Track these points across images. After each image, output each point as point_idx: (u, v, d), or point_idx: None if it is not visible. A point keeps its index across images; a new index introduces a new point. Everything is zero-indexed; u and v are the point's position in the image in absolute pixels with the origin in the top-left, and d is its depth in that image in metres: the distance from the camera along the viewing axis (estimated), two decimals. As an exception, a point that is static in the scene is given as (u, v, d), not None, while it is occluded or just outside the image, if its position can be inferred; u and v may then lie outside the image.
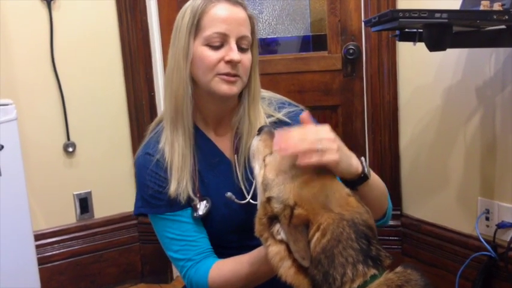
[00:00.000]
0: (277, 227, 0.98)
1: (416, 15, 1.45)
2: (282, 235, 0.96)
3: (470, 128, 2.03)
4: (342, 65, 2.44)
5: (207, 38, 1.24)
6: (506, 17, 1.44)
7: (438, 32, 1.55)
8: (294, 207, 0.96)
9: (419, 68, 2.22)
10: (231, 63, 1.24)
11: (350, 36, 2.42)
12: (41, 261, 2.24)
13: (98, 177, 2.57)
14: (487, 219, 2.00)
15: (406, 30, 1.80)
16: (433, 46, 1.59)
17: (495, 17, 1.44)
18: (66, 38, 2.43)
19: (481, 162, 2.01)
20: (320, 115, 2.50)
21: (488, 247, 1.94)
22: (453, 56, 2.03)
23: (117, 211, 2.62)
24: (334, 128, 2.58)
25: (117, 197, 2.60)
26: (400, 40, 1.82)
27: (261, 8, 2.62)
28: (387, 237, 2.41)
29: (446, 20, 1.43)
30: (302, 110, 1.40)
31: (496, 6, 1.51)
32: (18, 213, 1.88)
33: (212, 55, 1.24)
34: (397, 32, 1.82)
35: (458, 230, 2.13)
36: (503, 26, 1.59)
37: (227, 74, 1.25)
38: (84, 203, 2.55)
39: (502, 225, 1.91)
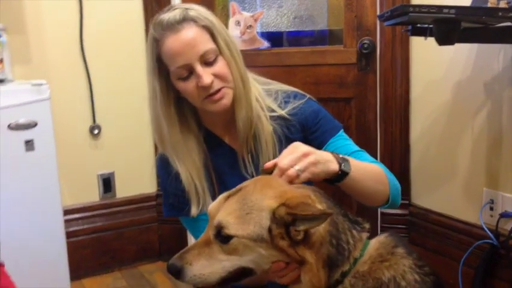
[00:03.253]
0: (291, 229, 0.96)
1: (425, 10, 1.54)
2: (300, 227, 0.95)
3: (478, 122, 2.12)
4: (356, 59, 2.53)
5: (174, 73, 1.27)
6: (511, 14, 1.53)
7: (447, 27, 1.64)
8: (284, 203, 0.96)
9: (431, 63, 2.31)
10: (205, 87, 1.25)
11: (365, 31, 2.50)
12: (66, 235, 2.38)
13: (121, 159, 2.71)
14: (491, 209, 2.08)
15: (418, 25, 1.89)
16: (442, 40, 1.68)
17: (500, 14, 1.53)
18: (95, 25, 2.57)
19: (487, 154, 2.09)
20: (334, 107, 2.60)
21: (491, 235, 2.03)
22: (463, 52, 2.11)
23: (137, 192, 2.76)
24: (348, 119, 2.69)
25: (139, 179, 2.73)
26: (412, 35, 1.91)
27: (280, 1, 2.73)
28: (395, 226, 2.50)
29: (453, 16, 1.52)
30: (309, 99, 1.43)
31: (502, 4, 1.60)
32: (49, 187, 2.02)
33: (187, 86, 1.26)
34: (409, 27, 1.91)
35: (464, 219, 2.22)
36: (510, 23, 1.67)
37: (210, 95, 1.27)
38: (107, 183, 2.70)
39: (504, 215, 1.99)
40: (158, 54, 1.27)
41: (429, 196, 2.41)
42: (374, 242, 1.03)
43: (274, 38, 2.82)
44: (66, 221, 2.54)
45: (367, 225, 1.06)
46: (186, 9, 1.28)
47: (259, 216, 0.96)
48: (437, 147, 2.34)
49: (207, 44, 1.26)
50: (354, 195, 1.24)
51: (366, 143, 2.58)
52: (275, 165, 1.09)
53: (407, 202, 2.50)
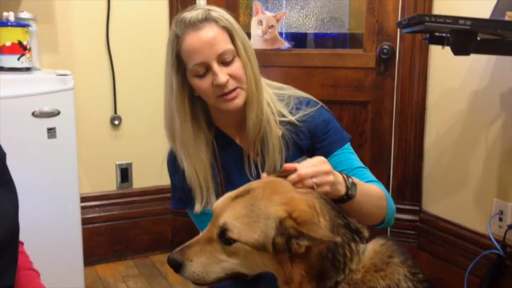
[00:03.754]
0: (293, 241, 0.96)
1: (441, 20, 1.56)
2: (303, 242, 0.96)
3: (492, 132, 2.12)
4: (375, 64, 2.55)
5: (191, 71, 1.31)
6: (527, 28, 1.55)
7: (463, 38, 1.66)
8: (290, 214, 0.97)
9: (448, 72, 2.32)
10: (220, 86, 1.29)
11: (386, 37, 2.52)
12: (82, 221, 2.46)
13: (139, 150, 2.78)
14: (500, 220, 2.09)
15: (436, 34, 1.91)
16: (458, 50, 1.70)
17: (516, 27, 1.55)
18: (121, 19, 2.65)
19: (500, 165, 2.10)
20: (350, 110, 2.63)
21: (498, 246, 2.04)
22: (481, 62, 2.12)
23: (153, 183, 2.83)
24: (364, 123, 2.72)
25: (155, 170, 2.75)
26: (430, 43, 1.92)
27: (303, 3, 2.76)
28: (404, 231, 2.52)
29: (468, 27, 1.54)
30: (321, 108, 1.44)
31: (519, 18, 1.61)
32: (68, 173, 2.08)
33: (203, 83, 1.31)
34: (427, 35, 1.93)
35: (472, 228, 2.23)
36: (527, 37, 1.68)
37: (224, 94, 1.31)
38: (125, 173, 2.78)
39: (513, 227, 2.00)
40: (178, 50, 1.32)
41: (440, 203, 2.43)
42: (369, 251, 1.04)
43: (298, 38, 2.86)
44: (84, 208, 2.63)
45: (366, 234, 1.07)
46: (209, 9, 1.33)
47: (265, 225, 0.97)
48: (451, 156, 2.35)
49: (226, 45, 1.30)
50: (350, 213, 1.26)
51: (381, 148, 2.61)
52: (293, 169, 1.11)
53: (418, 208, 2.52)
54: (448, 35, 1.73)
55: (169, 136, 1.42)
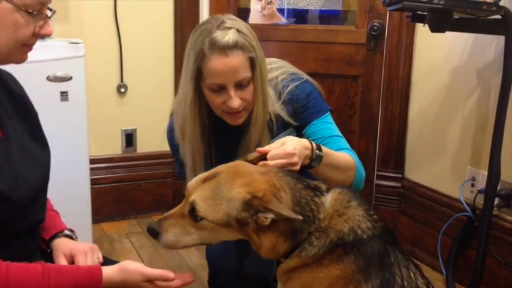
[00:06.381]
0: (260, 215, 1.10)
1: (418, -1, 1.73)
2: (268, 215, 1.09)
3: (468, 105, 2.30)
4: (366, 40, 2.71)
5: (208, 85, 1.41)
6: (494, 8, 1.72)
7: (439, 16, 1.83)
8: (255, 194, 1.10)
9: (432, 49, 2.48)
10: (231, 107, 1.41)
11: (376, 14, 2.68)
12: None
13: (143, 117, 2.97)
14: (472, 185, 2.28)
15: (419, 12, 2.07)
16: (434, 27, 1.88)
17: (484, 7, 1.72)
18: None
19: (474, 135, 2.29)
20: (342, 83, 2.80)
21: (468, 209, 2.24)
22: (461, 40, 2.29)
23: (156, 149, 3.02)
24: (354, 96, 2.90)
25: (158, 137, 2.92)
26: (412, 21, 2.08)
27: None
28: (388, 196, 2.72)
29: (441, 6, 1.70)
30: (305, 82, 1.58)
31: (489, -2, 1.77)
32: (78, 134, 2.28)
33: (215, 98, 1.42)
34: (410, 13, 2.09)
35: (447, 193, 2.43)
36: (498, 16, 1.84)
37: (231, 113, 1.44)
38: (130, 138, 2.98)
39: (482, 191, 2.18)
40: (200, 65, 1.40)
41: (420, 171, 2.62)
42: (330, 200, 1.19)
43: (299, 14, 3.03)
44: (91, 169, 2.79)
45: (324, 187, 1.21)
46: (238, 31, 1.39)
47: (228, 207, 1.11)
48: (431, 127, 2.53)
49: (246, 73, 1.40)
50: (316, 177, 1.40)
51: (369, 119, 2.79)
52: (266, 152, 1.24)
53: (400, 176, 2.71)
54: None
55: (180, 134, 1.54)
